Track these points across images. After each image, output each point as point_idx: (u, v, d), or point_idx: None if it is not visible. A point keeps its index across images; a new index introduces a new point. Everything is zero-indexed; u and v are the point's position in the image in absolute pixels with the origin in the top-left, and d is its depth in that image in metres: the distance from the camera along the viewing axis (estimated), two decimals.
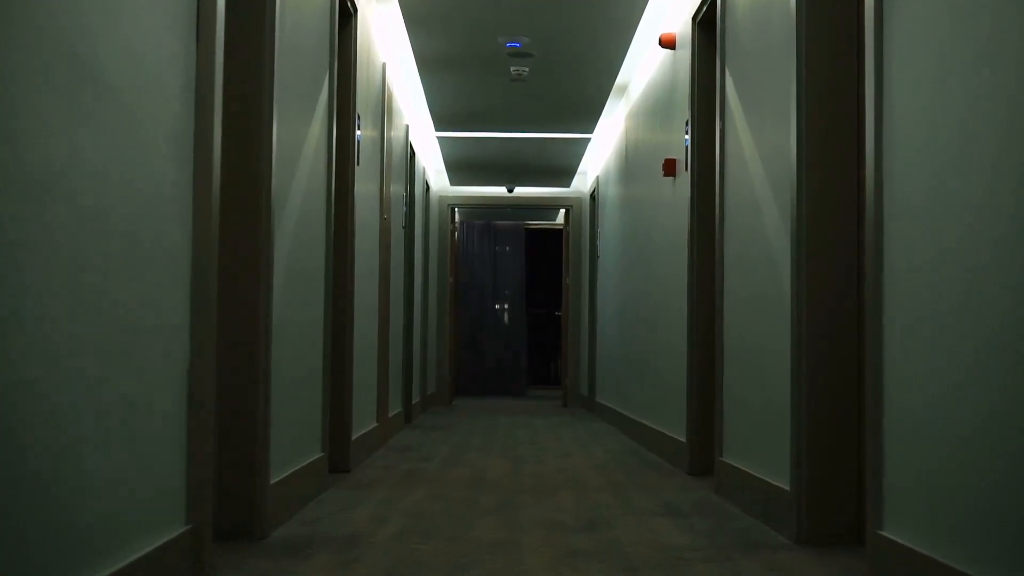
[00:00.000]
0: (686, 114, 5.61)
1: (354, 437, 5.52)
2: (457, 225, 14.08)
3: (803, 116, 3.48)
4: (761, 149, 4.06)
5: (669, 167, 5.97)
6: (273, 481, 3.57)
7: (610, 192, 9.59)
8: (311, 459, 4.31)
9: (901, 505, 2.64)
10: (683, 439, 5.52)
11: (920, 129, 2.57)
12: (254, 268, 3.39)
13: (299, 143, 4.06)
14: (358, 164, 5.56)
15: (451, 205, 12.09)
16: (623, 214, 8.53)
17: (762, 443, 3.98)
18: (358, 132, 5.53)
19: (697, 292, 5.34)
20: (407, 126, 8.32)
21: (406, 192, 8.30)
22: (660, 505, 4.29)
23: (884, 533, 2.69)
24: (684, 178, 5.65)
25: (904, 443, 2.63)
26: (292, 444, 3.97)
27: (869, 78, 2.88)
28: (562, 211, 13.81)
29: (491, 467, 5.59)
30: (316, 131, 4.39)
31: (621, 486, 4.86)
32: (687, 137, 5.54)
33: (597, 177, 10.70)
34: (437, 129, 9.06)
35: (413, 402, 9.30)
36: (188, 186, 2.71)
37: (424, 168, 10.27)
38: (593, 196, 11.26)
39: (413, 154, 8.91)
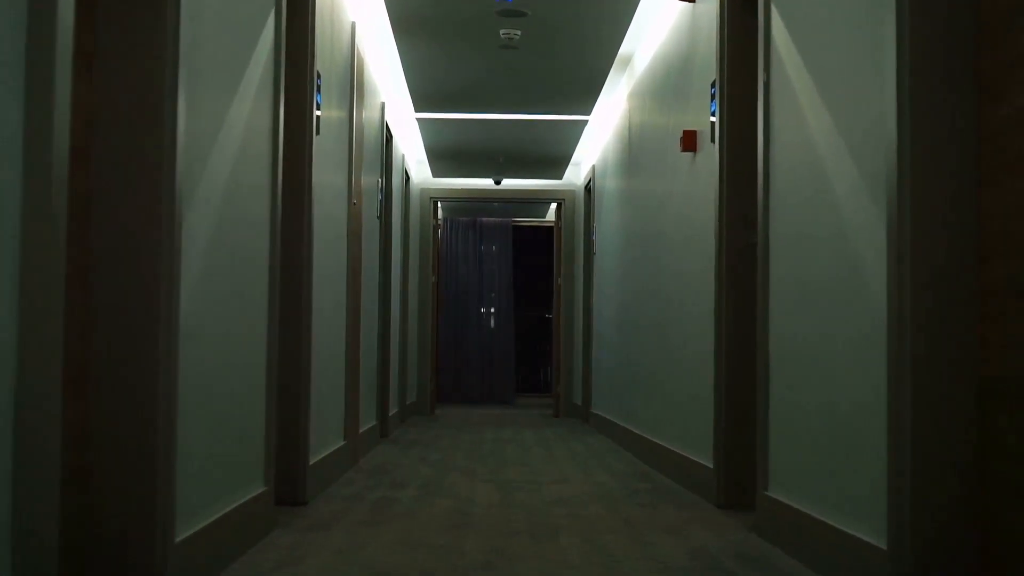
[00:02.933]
0: (711, 76, 4.69)
1: (312, 461, 4.58)
2: (440, 221, 13.15)
3: (904, 39, 2.56)
4: (830, 99, 3.15)
5: (688, 141, 5.06)
6: (182, 537, 2.63)
7: (609, 182, 8.67)
8: (247, 497, 3.37)
9: None
10: (709, 464, 4.59)
11: None
12: (150, 270, 2.46)
13: (219, 117, 3.13)
14: (317, 134, 4.63)
15: (434, 198, 11.14)
16: (625, 205, 7.61)
17: (834, 478, 3.06)
18: (317, 112, 4.60)
19: (727, 286, 4.42)
20: (383, 104, 7.39)
21: (382, 178, 7.36)
22: (692, 554, 3.36)
23: None
24: (709, 152, 4.73)
25: None
26: (216, 482, 3.03)
27: None
28: (553, 206, 12.89)
29: (477, 497, 4.66)
30: (249, 101, 3.46)
31: (637, 525, 3.94)
32: (713, 103, 4.63)
33: (593, 167, 9.77)
34: (417, 110, 8.12)
35: (390, 413, 8.36)
36: (16, 163, 1.79)
37: (403, 155, 9.33)
38: (588, 188, 10.33)
39: (390, 137, 7.98)
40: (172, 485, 2.51)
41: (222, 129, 3.05)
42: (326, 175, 4.93)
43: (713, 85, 4.62)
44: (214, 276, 2.97)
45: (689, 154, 5.16)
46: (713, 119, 4.62)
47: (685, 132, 5.07)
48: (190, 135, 2.71)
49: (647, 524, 3.96)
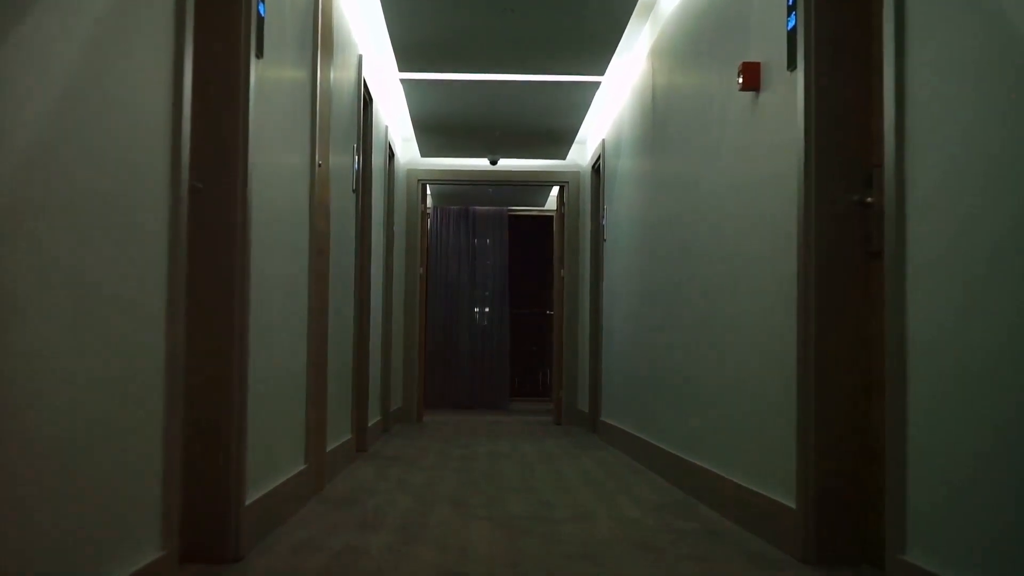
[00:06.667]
0: None
1: (251, 500, 3.39)
2: (429, 208, 11.96)
3: None
4: None
5: (750, 76, 3.88)
6: None
7: (624, 159, 7.48)
8: (134, 568, 2.18)
9: None
10: (788, 503, 3.41)
11: None
12: None
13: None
14: (260, 56, 3.44)
15: (422, 181, 9.94)
16: (647, 182, 6.42)
17: None
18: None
19: (816, 265, 3.24)
20: (360, 57, 6.20)
21: (357, 144, 6.15)
22: None
23: None
24: (784, 84, 3.56)
25: None
26: (65, 555, 1.84)
27: None
28: (553, 193, 11.70)
29: (472, 544, 3.47)
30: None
31: None
32: (791, 17, 3.45)
33: (603, 142, 8.58)
34: (402, 69, 6.93)
35: (370, 424, 7.16)
36: None
37: (387, 128, 8.13)
38: (596, 168, 9.15)
39: (370, 100, 6.78)
40: None
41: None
42: (273, 115, 3.74)
43: None
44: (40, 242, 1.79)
45: (749, 95, 3.99)
46: (791, 31, 3.44)
47: (745, 65, 3.90)
48: None
49: None
